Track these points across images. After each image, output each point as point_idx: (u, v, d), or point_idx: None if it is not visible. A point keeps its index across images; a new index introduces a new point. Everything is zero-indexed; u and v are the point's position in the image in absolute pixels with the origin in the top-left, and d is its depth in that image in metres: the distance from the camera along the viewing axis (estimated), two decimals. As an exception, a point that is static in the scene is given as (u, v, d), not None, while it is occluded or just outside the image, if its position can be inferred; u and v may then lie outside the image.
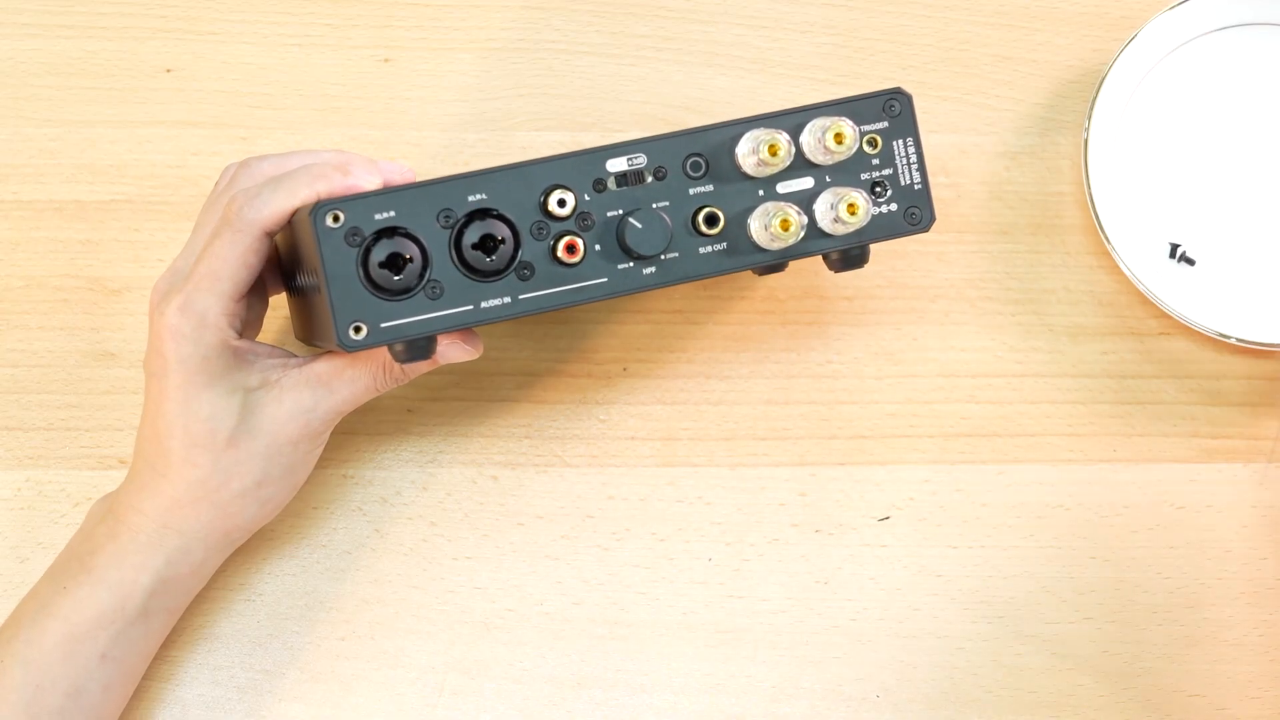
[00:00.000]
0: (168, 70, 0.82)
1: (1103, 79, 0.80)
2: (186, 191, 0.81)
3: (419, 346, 0.65)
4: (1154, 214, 0.81)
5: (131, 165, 0.81)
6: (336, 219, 0.63)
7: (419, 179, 0.66)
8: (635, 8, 0.83)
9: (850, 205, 0.67)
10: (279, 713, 0.77)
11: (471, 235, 0.65)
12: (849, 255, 0.69)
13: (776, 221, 0.66)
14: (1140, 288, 0.79)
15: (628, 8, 0.83)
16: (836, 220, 0.67)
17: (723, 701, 0.78)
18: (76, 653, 0.70)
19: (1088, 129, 0.79)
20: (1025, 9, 0.84)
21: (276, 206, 0.67)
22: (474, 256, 0.65)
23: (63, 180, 0.81)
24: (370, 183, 0.67)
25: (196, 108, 0.82)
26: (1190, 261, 0.81)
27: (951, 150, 0.82)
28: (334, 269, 0.63)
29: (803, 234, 0.67)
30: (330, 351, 0.70)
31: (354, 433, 0.79)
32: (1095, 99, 0.80)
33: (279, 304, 0.77)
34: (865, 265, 0.69)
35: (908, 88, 0.83)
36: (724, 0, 0.83)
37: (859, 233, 0.68)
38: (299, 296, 0.71)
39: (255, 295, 0.72)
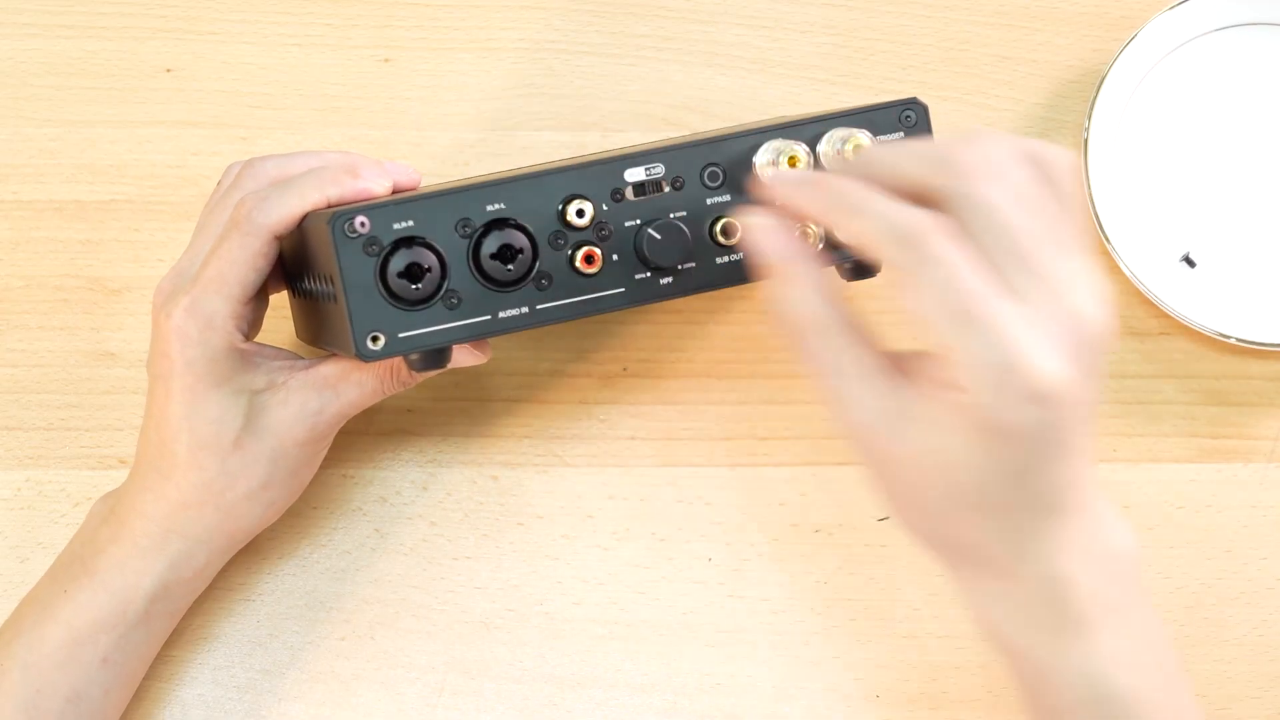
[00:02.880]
0: (168, 70, 0.82)
1: (1103, 79, 0.80)
2: (186, 191, 0.81)
3: (434, 356, 0.65)
4: (1154, 214, 0.81)
5: (131, 165, 0.81)
6: (355, 229, 0.63)
7: (432, 183, 0.66)
8: (635, 8, 0.83)
9: None
10: (279, 713, 0.77)
11: (490, 245, 0.64)
12: (860, 265, 0.69)
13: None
14: (1140, 288, 0.79)
15: (628, 8, 0.83)
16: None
17: (723, 701, 0.78)
18: (77, 657, 0.69)
19: (1088, 129, 0.79)
20: (1025, 9, 0.84)
21: (287, 210, 0.67)
22: (492, 266, 0.64)
23: (63, 180, 0.81)
24: (380, 186, 0.67)
25: (196, 108, 0.81)
26: (1191, 262, 0.81)
27: (951, 150, 0.82)
28: (352, 278, 0.63)
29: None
30: (336, 354, 0.70)
31: (354, 433, 0.79)
32: (1095, 99, 0.80)
33: (279, 302, 0.77)
34: (877, 274, 0.70)
35: (908, 88, 0.83)
36: (724, 0, 0.83)
37: None
38: (303, 298, 0.71)
39: (257, 295, 0.72)
